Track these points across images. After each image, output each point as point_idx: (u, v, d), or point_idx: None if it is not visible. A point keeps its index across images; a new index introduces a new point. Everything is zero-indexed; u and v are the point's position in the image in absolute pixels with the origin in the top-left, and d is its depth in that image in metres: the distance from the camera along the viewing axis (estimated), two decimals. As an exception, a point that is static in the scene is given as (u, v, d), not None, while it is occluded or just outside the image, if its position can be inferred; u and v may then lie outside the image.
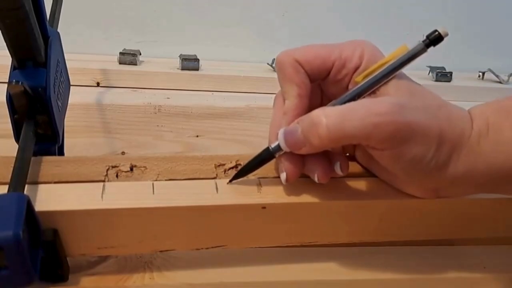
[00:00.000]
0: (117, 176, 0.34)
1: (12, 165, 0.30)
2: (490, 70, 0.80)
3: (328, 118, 0.29)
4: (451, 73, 0.76)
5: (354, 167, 0.36)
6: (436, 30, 0.31)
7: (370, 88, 0.32)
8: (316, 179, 0.33)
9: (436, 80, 0.76)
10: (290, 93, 0.34)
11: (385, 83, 0.32)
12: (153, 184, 0.33)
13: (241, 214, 0.33)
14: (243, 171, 0.34)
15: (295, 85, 0.33)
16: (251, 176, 0.35)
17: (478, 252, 0.41)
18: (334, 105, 0.33)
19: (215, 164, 0.35)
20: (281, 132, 0.32)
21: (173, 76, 0.68)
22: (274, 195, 0.34)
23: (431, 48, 0.32)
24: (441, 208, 0.36)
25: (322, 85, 0.36)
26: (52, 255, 0.31)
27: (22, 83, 0.34)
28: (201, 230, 0.34)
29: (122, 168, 0.34)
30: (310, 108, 0.33)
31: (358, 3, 0.82)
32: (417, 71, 0.76)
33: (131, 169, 0.34)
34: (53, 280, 0.32)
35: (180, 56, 0.70)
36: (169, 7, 0.77)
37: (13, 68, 0.35)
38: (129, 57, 0.69)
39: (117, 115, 0.59)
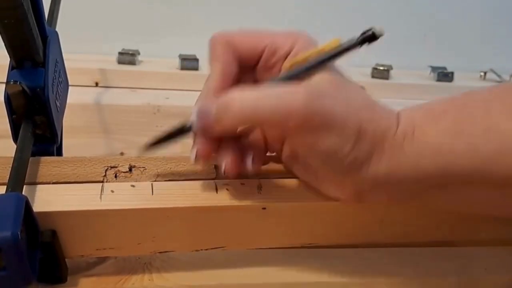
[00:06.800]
0: (116, 176, 0.34)
1: (10, 166, 0.30)
2: (491, 70, 0.80)
3: (243, 97, 0.29)
4: (452, 73, 0.76)
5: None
6: (371, 29, 0.30)
7: (295, 77, 0.31)
8: (223, 168, 0.32)
9: (438, 80, 0.75)
10: (215, 71, 0.34)
11: (312, 74, 0.31)
12: (152, 184, 0.33)
13: (241, 215, 0.33)
14: (161, 140, 0.34)
15: (221, 62, 0.33)
16: (251, 177, 0.34)
17: (479, 253, 0.41)
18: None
19: (214, 165, 0.35)
20: (195, 110, 0.31)
21: (173, 76, 0.68)
22: (274, 196, 0.33)
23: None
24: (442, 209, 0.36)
25: (256, 73, 0.35)
26: (51, 256, 0.30)
27: (20, 83, 0.34)
28: (200, 231, 0.33)
29: (121, 168, 0.34)
30: None
31: (364, 2, 0.81)
32: (418, 71, 0.76)
33: (130, 170, 0.34)
34: (51, 281, 0.32)
35: (180, 56, 0.70)
36: (168, 7, 0.77)
37: (11, 68, 0.35)
38: (128, 57, 0.69)
39: (116, 116, 0.59)
